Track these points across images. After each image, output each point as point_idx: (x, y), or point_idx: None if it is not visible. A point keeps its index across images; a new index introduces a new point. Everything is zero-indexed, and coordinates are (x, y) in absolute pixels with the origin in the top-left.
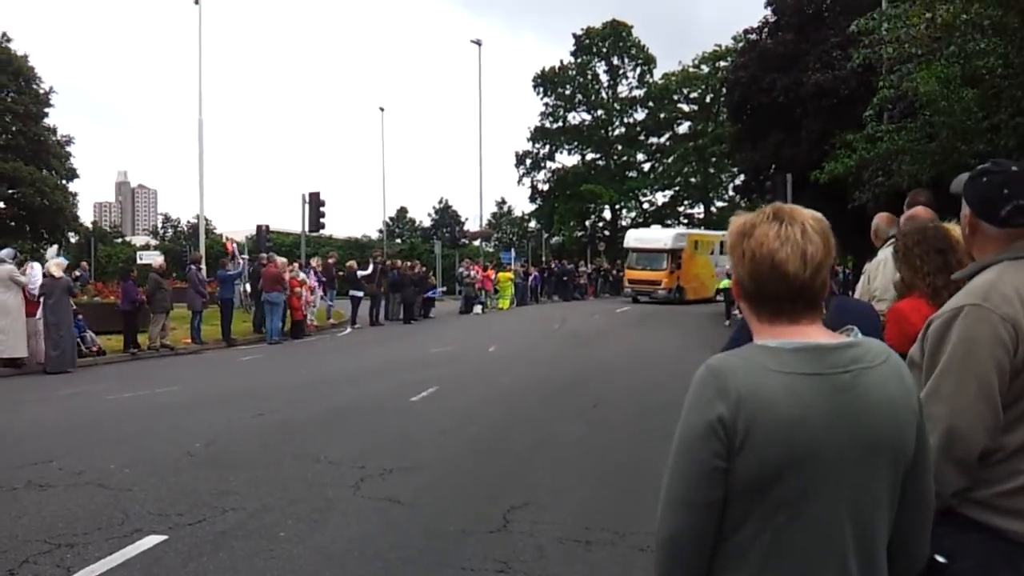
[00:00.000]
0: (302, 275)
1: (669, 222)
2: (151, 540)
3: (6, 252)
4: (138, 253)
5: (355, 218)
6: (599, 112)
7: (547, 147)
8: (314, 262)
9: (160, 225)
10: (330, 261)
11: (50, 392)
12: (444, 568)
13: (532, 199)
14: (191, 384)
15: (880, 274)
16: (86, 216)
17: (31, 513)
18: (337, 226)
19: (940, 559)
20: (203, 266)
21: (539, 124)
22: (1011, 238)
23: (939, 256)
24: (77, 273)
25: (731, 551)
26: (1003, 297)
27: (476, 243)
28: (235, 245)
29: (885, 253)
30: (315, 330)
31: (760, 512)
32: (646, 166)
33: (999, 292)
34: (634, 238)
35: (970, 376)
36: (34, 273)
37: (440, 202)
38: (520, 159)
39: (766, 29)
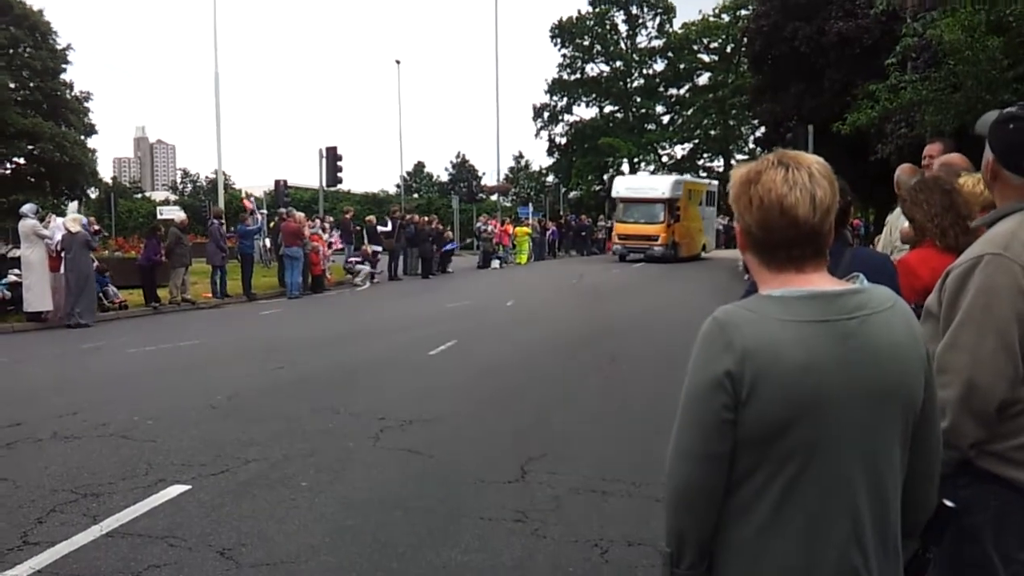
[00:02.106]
0: (317, 230)
1: (688, 175)
2: (175, 490)
3: (28, 207)
4: (158, 208)
5: (372, 173)
6: (617, 63)
7: (565, 99)
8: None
9: (179, 180)
10: (347, 217)
11: (73, 346)
12: (462, 517)
13: (550, 153)
14: (212, 338)
15: (899, 225)
16: (105, 172)
17: (57, 464)
18: (354, 181)
19: (949, 504)
20: (223, 221)
21: (557, 76)
22: None
23: (945, 196)
24: (96, 227)
25: (742, 501)
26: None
27: (493, 198)
28: (253, 201)
29: None
30: (333, 284)
31: (770, 462)
32: (665, 118)
33: (1020, 240)
34: (625, 187)
35: (990, 326)
36: (56, 227)
37: (457, 157)
38: (538, 112)
39: None
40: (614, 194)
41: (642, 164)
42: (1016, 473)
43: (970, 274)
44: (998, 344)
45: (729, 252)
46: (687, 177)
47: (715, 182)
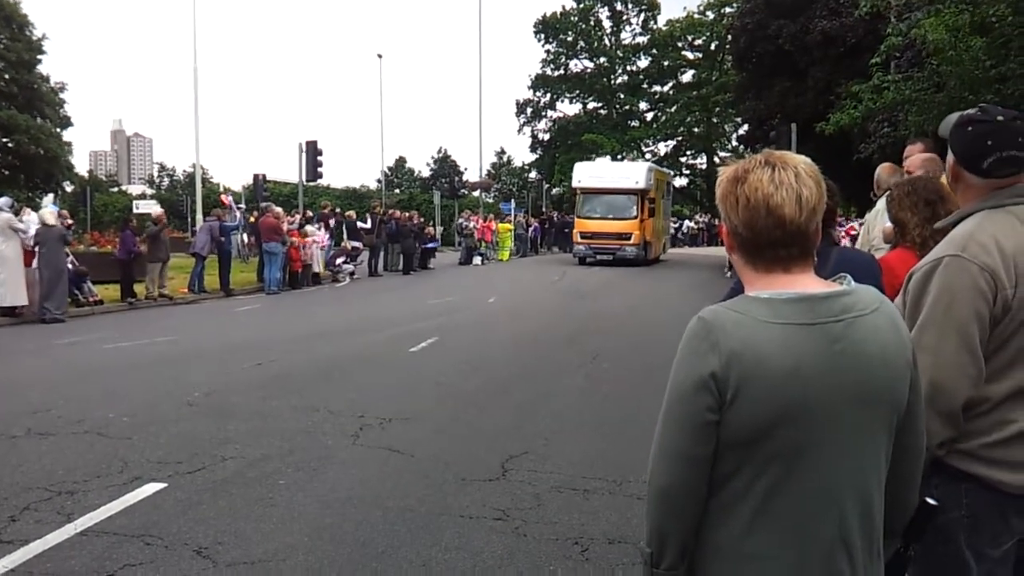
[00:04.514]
0: (310, 227)
1: (672, 173)
2: (151, 488)
3: (3, 201)
4: (134, 202)
5: (353, 168)
6: (601, 59)
7: (548, 95)
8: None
9: (156, 174)
10: (324, 211)
11: (48, 341)
12: (442, 516)
13: (532, 149)
14: (189, 334)
15: (878, 224)
16: (81, 165)
17: (31, 461)
18: (335, 176)
19: (931, 501)
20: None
21: (540, 72)
22: (992, 188)
23: (927, 208)
24: (70, 222)
25: (724, 502)
26: (981, 246)
27: (476, 194)
28: (231, 198)
29: (883, 203)
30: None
31: (753, 464)
32: (649, 115)
33: (977, 241)
34: (589, 175)
35: (951, 328)
36: (31, 221)
37: (439, 152)
38: (521, 108)
39: None
40: (575, 183)
41: (625, 161)
42: (986, 470)
43: (931, 276)
44: (960, 344)
45: (706, 250)
46: (656, 166)
47: (671, 172)
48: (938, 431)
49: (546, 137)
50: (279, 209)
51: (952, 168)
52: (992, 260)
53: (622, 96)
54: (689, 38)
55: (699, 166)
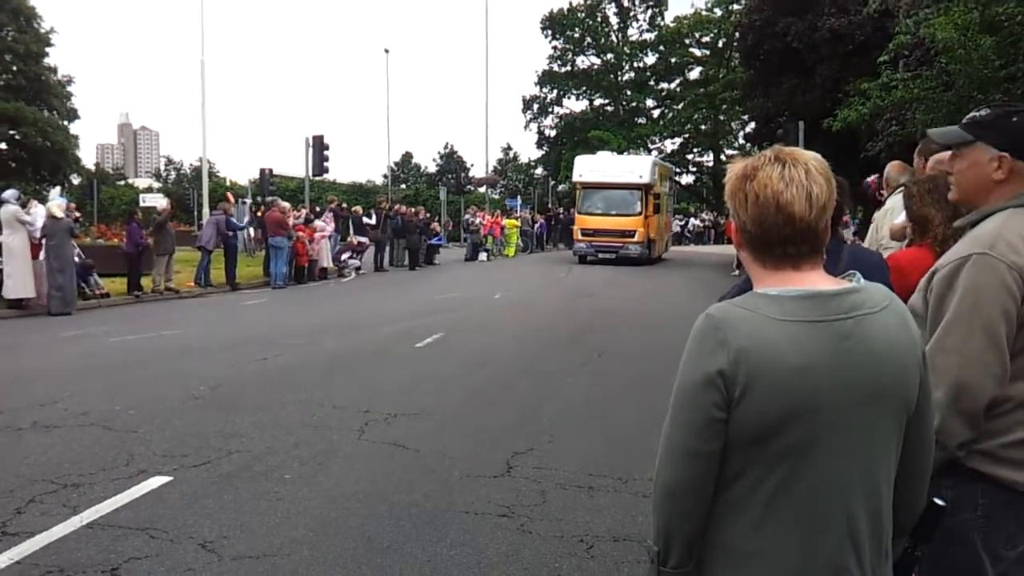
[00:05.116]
0: (318, 222)
1: (678, 170)
2: (156, 481)
3: (10, 193)
4: (141, 196)
5: (360, 163)
6: (608, 56)
7: (555, 92)
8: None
9: (163, 168)
10: (331, 206)
11: (54, 334)
12: (447, 511)
13: (539, 145)
14: (195, 327)
15: (888, 222)
16: (88, 158)
17: (37, 453)
18: (341, 171)
19: (939, 502)
20: (235, 211)
21: (547, 68)
22: None
23: (949, 206)
24: (76, 215)
25: (732, 500)
26: (1009, 245)
27: (481, 190)
28: (248, 196)
29: (894, 201)
30: (320, 274)
31: (762, 462)
32: (655, 112)
33: (1005, 240)
34: (590, 168)
35: (977, 326)
36: (37, 214)
37: (446, 147)
38: (527, 104)
39: None
40: (576, 177)
41: (628, 154)
42: (1004, 471)
43: (957, 274)
44: (986, 343)
45: (711, 248)
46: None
47: (674, 167)
48: (959, 431)
49: (552, 133)
50: (285, 204)
51: (1008, 164)
52: (1020, 259)
53: (629, 93)
54: (696, 35)
55: (706, 164)
